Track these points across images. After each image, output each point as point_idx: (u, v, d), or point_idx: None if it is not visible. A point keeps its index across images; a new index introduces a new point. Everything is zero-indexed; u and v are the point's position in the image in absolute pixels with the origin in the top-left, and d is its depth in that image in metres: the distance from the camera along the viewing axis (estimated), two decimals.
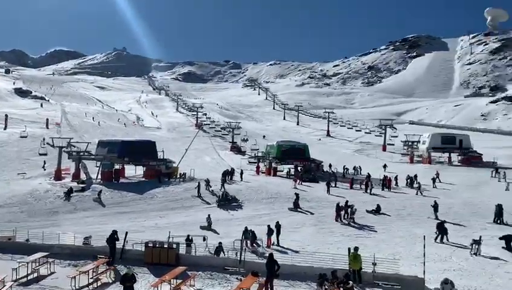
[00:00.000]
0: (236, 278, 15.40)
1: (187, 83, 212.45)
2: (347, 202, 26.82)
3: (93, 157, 40.46)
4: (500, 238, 19.73)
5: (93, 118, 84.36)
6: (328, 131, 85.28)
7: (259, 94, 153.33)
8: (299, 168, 44.93)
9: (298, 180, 37.83)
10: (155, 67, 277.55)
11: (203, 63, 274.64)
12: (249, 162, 51.24)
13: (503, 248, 19.27)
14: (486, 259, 17.99)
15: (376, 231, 23.39)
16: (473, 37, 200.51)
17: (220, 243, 18.26)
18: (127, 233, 17.84)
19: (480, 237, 19.34)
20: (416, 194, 34.22)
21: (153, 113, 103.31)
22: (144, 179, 38.94)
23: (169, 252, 17.05)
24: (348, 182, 38.07)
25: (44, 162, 45.09)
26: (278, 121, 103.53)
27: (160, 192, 33.51)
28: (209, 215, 24.61)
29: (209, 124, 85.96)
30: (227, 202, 30.57)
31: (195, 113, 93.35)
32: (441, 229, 21.14)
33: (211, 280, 15.47)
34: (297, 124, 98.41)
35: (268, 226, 20.65)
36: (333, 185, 35.64)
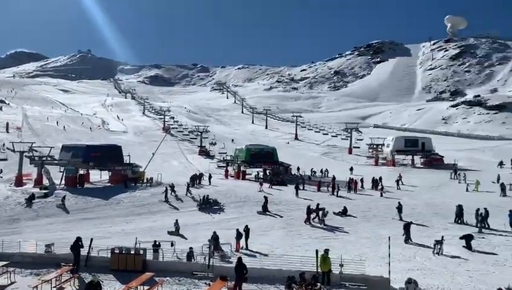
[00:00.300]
0: (205, 283, 15.28)
1: (154, 86, 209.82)
2: (318, 205, 27.12)
3: (56, 162, 39.28)
4: (461, 238, 20.44)
5: (57, 122, 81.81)
6: (296, 134, 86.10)
7: (227, 98, 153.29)
8: (267, 171, 45.22)
9: (269, 184, 38.06)
10: (121, 70, 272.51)
11: (170, 66, 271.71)
12: (218, 167, 51.02)
13: (463, 247, 19.96)
14: (448, 258, 18.58)
15: (343, 233, 23.76)
16: (434, 44, 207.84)
17: (191, 248, 18.08)
18: (92, 240, 17.38)
19: (442, 237, 19.98)
20: (381, 195, 35.03)
21: (118, 117, 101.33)
22: (109, 184, 38.12)
23: (136, 258, 16.73)
24: (316, 185, 38.53)
25: (1, 170, 43.27)
26: (246, 125, 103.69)
27: (126, 197, 32.88)
28: (176, 220, 24.34)
29: (176, 128, 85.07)
30: (209, 205, 30.48)
31: (163, 116, 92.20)
32: (408, 230, 21.69)
33: (179, 285, 15.28)
34: (266, 128, 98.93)
35: (237, 230, 20.61)
36: (301, 188, 35.99)
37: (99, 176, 40.06)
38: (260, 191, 35.29)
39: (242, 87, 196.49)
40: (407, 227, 21.83)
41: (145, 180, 38.06)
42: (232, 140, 74.51)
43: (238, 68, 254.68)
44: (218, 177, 44.29)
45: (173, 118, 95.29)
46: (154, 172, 40.18)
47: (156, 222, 26.75)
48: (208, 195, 31.75)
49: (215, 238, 19.06)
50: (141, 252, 17.02)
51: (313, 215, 26.03)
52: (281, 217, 27.83)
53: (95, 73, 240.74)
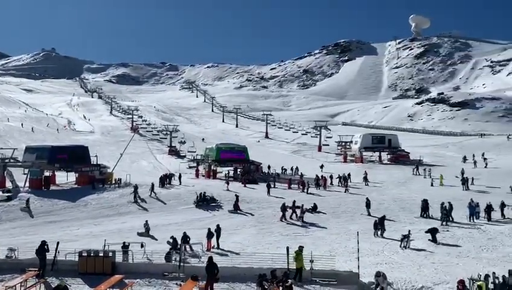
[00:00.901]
0: (176, 284, 15.13)
1: (121, 85, 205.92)
2: (295, 201, 27.43)
3: (20, 164, 37.97)
4: (426, 232, 21.06)
5: (22, 124, 78.67)
6: (266, 133, 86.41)
7: (197, 96, 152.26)
8: (238, 170, 45.18)
9: (241, 183, 38.05)
10: (87, 69, 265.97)
11: (138, 65, 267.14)
12: (190, 167, 50.44)
13: (429, 240, 20.57)
14: (415, 251, 19.11)
15: (313, 229, 24.04)
16: (399, 43, 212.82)
17: (171, 248, 17.87)
18: (58, 243, 16.89)
19: (409, 231, 20.53)
20: (345, 192, 35.56)
21: (85, 117, 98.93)
22: (76, 185, 37.19)
23: (104, 261, 16.38)
24: (286, 183, 38.80)
25: None
26: (216, 124, 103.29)
27: (94, 199, 32.17)
28: (146, 221, 23.98)
29: (145, 128, 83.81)
30: (206, 202, 30.48)
31: (131, 116, 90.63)
32: (382, 224, 22.17)
33: (149, 286, 15.08)
34: (236, 127, 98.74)
35: (209, 229, 20.51)
36: (272, 186, 36.16)
37: (65, 178, 38.99)
38: (227, 190, 35.28)
39: (212, 86, 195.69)
40: (381, 221, 22.32)
41: (113, 181, 37.33)
42: (203, 139, 74.08)
43: (208, 67, 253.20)
44: (189, 177, 43.93)
45: (141, 117, 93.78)
46: (122, 173, 39.47)
47: (125, 224, 26.30)
48: (204, 192, 31.75)
49: (174, 240, 18.70)
50: (110, 254, 16.69)
51: (289, 213, 26.25)
52: (253, 215, 27.90)
53: (60, 72, 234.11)
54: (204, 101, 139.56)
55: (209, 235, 20.20)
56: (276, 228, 24.55)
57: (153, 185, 33.72)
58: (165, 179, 37.45)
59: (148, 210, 30.00)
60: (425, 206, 26.37)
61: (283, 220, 25.84)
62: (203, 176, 45.29)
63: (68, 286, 13.56)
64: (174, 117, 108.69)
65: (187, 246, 18.84)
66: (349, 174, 40.80)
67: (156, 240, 21.94)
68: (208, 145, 53.45)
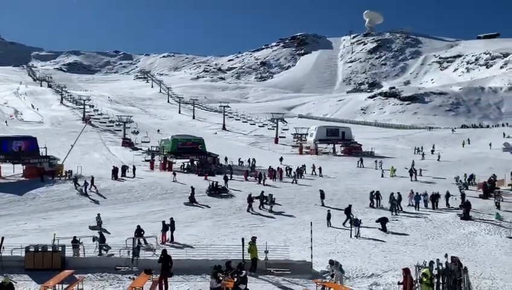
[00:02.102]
0: (129, 278, 14.84)
1: (72, 73, 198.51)
2: (263, 192, 27.92)
3: None
4: (377, 221, 21.84)
5: None
6: (223, 125, 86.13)
7: (152, 87, 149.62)
8: (195, 162, 44.81)
9: (200, 175, 37.82)
10: (35, 56, 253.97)
11: (90, 53, 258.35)
12: (146, 160, 49.26)
13: (379, 229, 21.33)
14: (366, 240, 19.77)
15: (269, 220, 24.30)
16: (354, 37, 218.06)
17: (140, 243, 17.43)
18: (3, 238, 16.09)
19: (360, 220, 21.16)
20: (292, 183, 36.16)
21: (33, 106, 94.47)
22: (24, 178, 35.54)
23: (53, 256, 15.75)
24: (243, 174, 38.96)
25: None
26: (173, 115, 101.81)
27: (43, 192, 30.88)
28: (98, 214, 23.28)
29: (98, 118, 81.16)
30: (217, 191, 31.22)
31: (82, 106, 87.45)
32: (349, 212, 22.89)
33: (101, 281, 14.69)
34: (193, 118, 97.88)
35: (163, 222, 20.24)
36: (230, 178, 36.18)
37: (12, 170, 37.15)
38: (174, 181, 35.16)
39: (168, 76, 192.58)
40: (348, 210, 23.04)
41: (63, 174, 35.97)
42: (158, 130, 72.85)
43: (163, 56, 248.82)
44: (144, 169, 43.11)
45: (93, 106, 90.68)
46: (73, 165, 38.10)
47: (76, 217, 25.46)
48: (216, 182, 32.60)
49: (101, 236, 18.33)
50: (59, 249, 16.09)
51: (256, 203, 26.61)
52: (209, 207, 27.81)
53: (6, 59, 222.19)
54: (160, 91, 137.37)
55: (164, 228, 19.95)
56: (232, 219, 24.62)
57: (92, 178, 32.57)
58: (117, 172, 36.53)
59: (100, 203, 29.17)
60: (376, 196, 27.32)
61: (250, 211, 26.10)
62: (158, 168, 44.52)
63: (14, 283, 12.96)
64: (128, 108, 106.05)
65: (141, 240, 18.51)
66: (303, 166, 41.57)
67: (109, 233, 21.37)
68: (164, 137, 52.55)
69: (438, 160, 48.25)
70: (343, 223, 22.48)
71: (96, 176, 33.72)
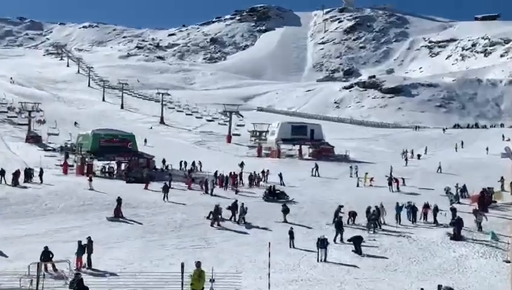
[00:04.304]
0: None
1: None
2: (236, 201, 28.91)
3: None
4: (349, 240, 22.33)
5: None
6: (161, 118, 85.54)
7: (68, 65, 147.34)
8: (122, 165, 44.20)
9: (146, 184, 37.26)
10: None
11: None
12: (59, 165, 47.67)
13: (352, 251, 21.81)
14: (335, 265, 20.17)
15: (217, 240, 24.30)
16: (327, 13, 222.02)
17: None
18: None
19: (326, 240, 21.33)
20: (236, 193, 36.39)
21: None
22: None
23: None
24: (187, 182, 38.75)
25: None
26: (94, 103, 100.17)
27: None
28: None
29: None
30: (276, 197, 33.59)
31: None
32: (340, 228, 23.58)
33: None
34: (122, 108, 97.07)
35: (79, 242, 19.75)
36: (169, 186, 35.80)
37: None
38: (90, 189, 34.74)
39: (89, 53, 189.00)
40: (339, 222, 24.07)
41: None
42: (75, 123, 71.50)
43: (84, 27, 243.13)
44: (55, 173, 42.00)
45: None
46: None
47: None
48: (274, 185, 35.72)
49: (45, 254, 17.98)
50: None
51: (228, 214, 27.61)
52: (140, 223, 27.50)
53: None
54: (78, 72, 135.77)
55: (80, 250, 19.49)
56: (170, 239, 24.45)
57: None
58: (18, 176, 35.44)
59: None
60: (338, 211, 27.61)
61: (215, 225, 26.66)
62: (74, 171, 43.48)
63: None
64: (35, 92, 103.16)
65: (49, 265, 18.07)
66: (264, 171, 42.00)
67: (6, 256, 20.68)
68: (82, 132, 51.43)
69: (439, 171, 47.41)
70: (334, 239, 23.06)
71: None
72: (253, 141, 65.29)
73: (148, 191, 36.15)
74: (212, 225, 26.84)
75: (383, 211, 27.59)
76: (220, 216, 27.38)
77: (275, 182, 41.02)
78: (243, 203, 28.38)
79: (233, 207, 28.46)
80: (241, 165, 47.25)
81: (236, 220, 27.88)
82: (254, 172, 41.70)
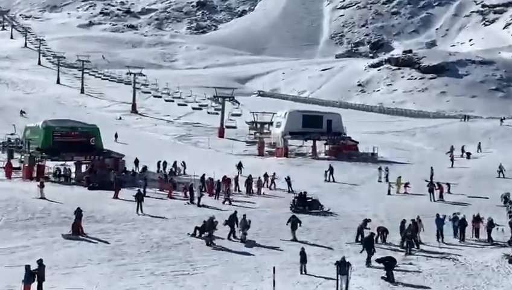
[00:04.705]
0: None
1: None
2: (236, 212, 28.93)
3: None
4: (378, 261, 22.24)
5: None
6: (133, 105, 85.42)
7: (12, 37, 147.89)
8: (83, 166, 44.21)
9: (115, 191, 37.39)
10: None
11: None
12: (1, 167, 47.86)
13: (382, 278, 21.73)
14: None
15: (206, 264, 24.25)
16: None
17: None
18: None
19: (349, 263, 21.24)
20: (227, 203, 36.62)
21: None
22: None
23: None
24: (166, 188, 38.76)
25: None
26: (47, 86, 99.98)
27: None
28: None
29: None
30: (307, 207, 34.85)
31: None
32: (370, 247, 23.79)
33: None
34: (82, 92, 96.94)
35: (27, 267, 19.77)
36: (144, 194, 35.89)
37: None
38: (41, 197, 34.83)
39: (40, 21, 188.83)
40: (369, 240, 24.03)
41: None
42: (22, 112, 71.59)
43: None
44: None
45: None
46: None
47: None
48: (305, 192, 36.59)
49: None
50: None
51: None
52: (107, 243, 27.46)
53: None
54: (26, 45, 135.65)
55: (28, 277, 19.52)
56: (145, 262, 24.40)
57: None
58: None
59: None
60: (363, 227, 27.67)
61: (210, 244, 26.73)
62: (20, 174, 43.74)
63: None
64: None
65: None
66: (265, 175, 42.03)
67: None
68: (31, 123, 51.45)
69: (502, 176, 47.19)
70: (367, 262, 23.20)
71: None
72: (252, 136, 65.14)
73: (116, 200, 36.16)
74: (208, 245, 26.75)
75: (421, 226, 27.62)
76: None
77: (283, 189, 41.24)
78: (244, 215, 28.29)
79: (231, 220, 28.31)
80: (239, 166, 47.33)
81: (236, 236, 27.87)
82: (251, 175, 41.75)
